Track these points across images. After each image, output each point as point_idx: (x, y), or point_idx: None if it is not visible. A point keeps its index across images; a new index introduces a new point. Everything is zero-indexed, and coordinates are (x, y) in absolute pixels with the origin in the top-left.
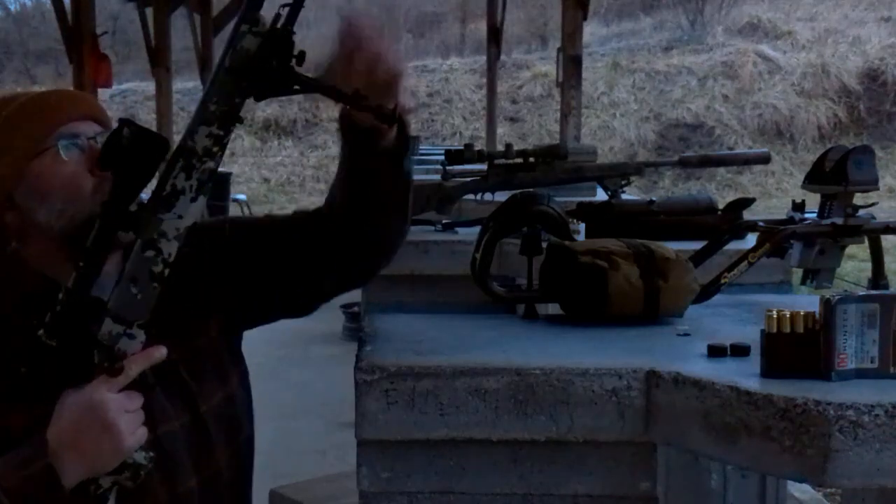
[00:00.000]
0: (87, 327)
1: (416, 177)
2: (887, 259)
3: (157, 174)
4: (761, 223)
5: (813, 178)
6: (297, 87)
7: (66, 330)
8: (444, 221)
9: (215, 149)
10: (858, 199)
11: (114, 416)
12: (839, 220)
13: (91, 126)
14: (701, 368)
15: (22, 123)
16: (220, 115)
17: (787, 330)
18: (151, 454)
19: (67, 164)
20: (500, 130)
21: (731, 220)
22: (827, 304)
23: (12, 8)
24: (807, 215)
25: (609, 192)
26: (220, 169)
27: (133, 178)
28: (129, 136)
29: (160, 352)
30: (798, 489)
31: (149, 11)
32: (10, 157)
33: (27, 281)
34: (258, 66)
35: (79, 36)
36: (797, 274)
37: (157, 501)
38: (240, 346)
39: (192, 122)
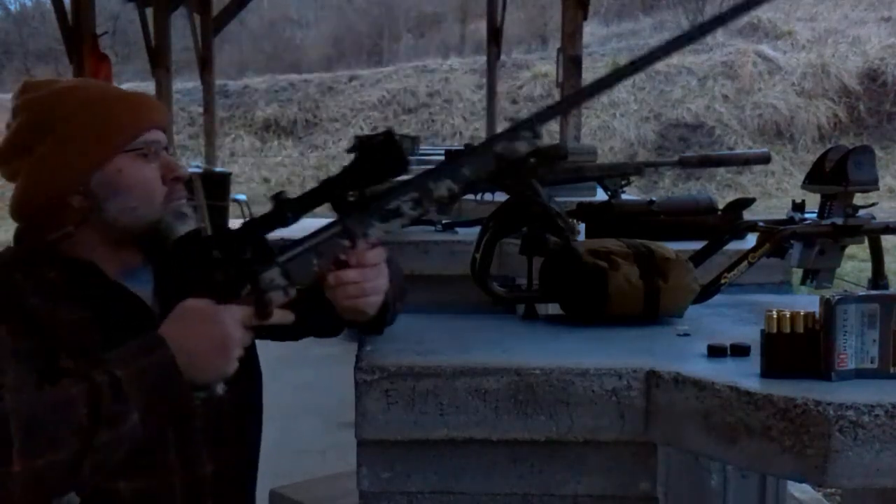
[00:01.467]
0: (255, 261)
1: None
2: (887, 259)
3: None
4: (761, 223)
5: (813, 179)
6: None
7: (234, 250)
8: (444, 221)
9: (444, 202)
10: (858, 199)
11: (235, 340)
12: (839, 221)
13: (163, 136)
14: (701, 368)
15: (120, 116)
16: (466, 181)
17: (787, 330)
18: (227, 388)
19: (149, 169)
20: (500, 130)
21: (731, 220)
22: (827, 304)
23: (12, 8)
24: (807, 215)
25: (609, 192)
26: (219, 168)
27: (365, 174)
28: (385, 141)
29: (290, 316)
30: (798, 489)
31: (149, 11)
32: (101, 146)
33: (70, 266)
34: (517, 167)
35: (79, 36)
36: (797, 274)
37: (172, 482)
38: (255, 346)
39: (438, 169)
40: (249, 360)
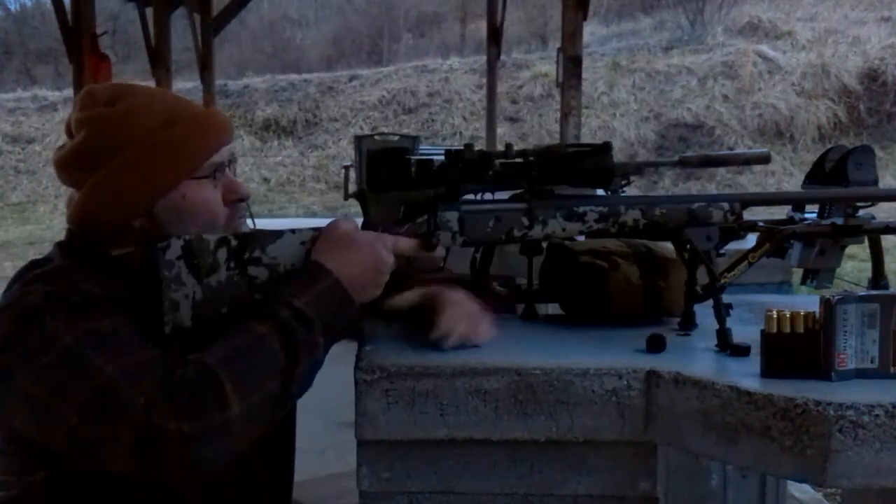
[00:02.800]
0: (442, 197)
1: None
2: (887, 259)
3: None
4: (761, 223)
5: (813, 178)
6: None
7: (430, 179)
8: None
9: (625, 229)
10: None
11: (387, 264)
12: (839, 220)
13: (228, 152)
14: (701, 368)
15: (187, 141)
16: (653, 220)
17: (787, 330)
18: None
19: (213, 193)
20: (500, 130)
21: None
22: (827, 304)
23: (12, 8)
24: (807, 215)
25: (609, 192)
26: None
27: (571, 169)
28: (602, 149)
29: (439, 261)
30: (798, 489)
31: (149, 11)
32: (167, 173)
33: (130, 277)
34: (698, 226)
35: (79, 36)
36: (797, 274)
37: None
38: None
39: (635, 199)
40: None
